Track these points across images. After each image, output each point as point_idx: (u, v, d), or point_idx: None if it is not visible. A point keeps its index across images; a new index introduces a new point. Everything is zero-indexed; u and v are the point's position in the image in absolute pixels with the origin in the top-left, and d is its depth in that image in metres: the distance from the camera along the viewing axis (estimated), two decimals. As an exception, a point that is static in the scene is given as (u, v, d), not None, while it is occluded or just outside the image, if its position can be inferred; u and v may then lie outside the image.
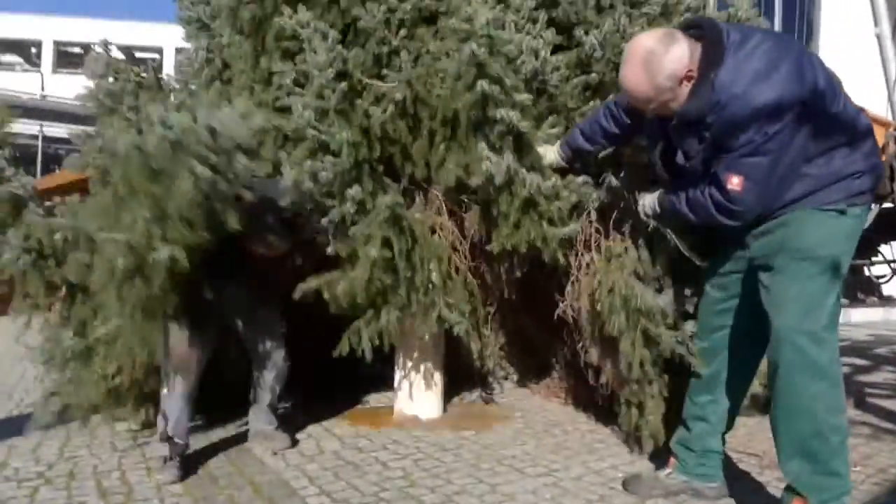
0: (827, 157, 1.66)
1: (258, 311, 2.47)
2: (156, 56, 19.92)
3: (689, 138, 1.72)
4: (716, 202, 1.68)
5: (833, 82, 1.64)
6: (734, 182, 1.62)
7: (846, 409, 1.69)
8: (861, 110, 1.70)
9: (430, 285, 2.43)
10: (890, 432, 2.73)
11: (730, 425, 2.04)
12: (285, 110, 2.48)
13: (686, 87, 1.64)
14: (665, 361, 2.25)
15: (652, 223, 2.02)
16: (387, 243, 2.28)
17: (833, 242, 1.66)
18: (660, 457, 2.24)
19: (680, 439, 2.05)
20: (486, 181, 2.09)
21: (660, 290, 2.22)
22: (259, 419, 2.53)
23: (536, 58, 2.42)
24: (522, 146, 2.15)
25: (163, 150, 1.78)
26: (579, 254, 2.39)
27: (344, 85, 2.31)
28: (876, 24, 4.34)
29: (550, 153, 2.23)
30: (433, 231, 2.58)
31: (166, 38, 19.39)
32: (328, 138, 2.26)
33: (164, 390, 2.25)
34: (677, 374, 2.38)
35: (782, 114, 1.54)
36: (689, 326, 2.16)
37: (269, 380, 2.48)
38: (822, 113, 1.60)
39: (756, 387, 2.95)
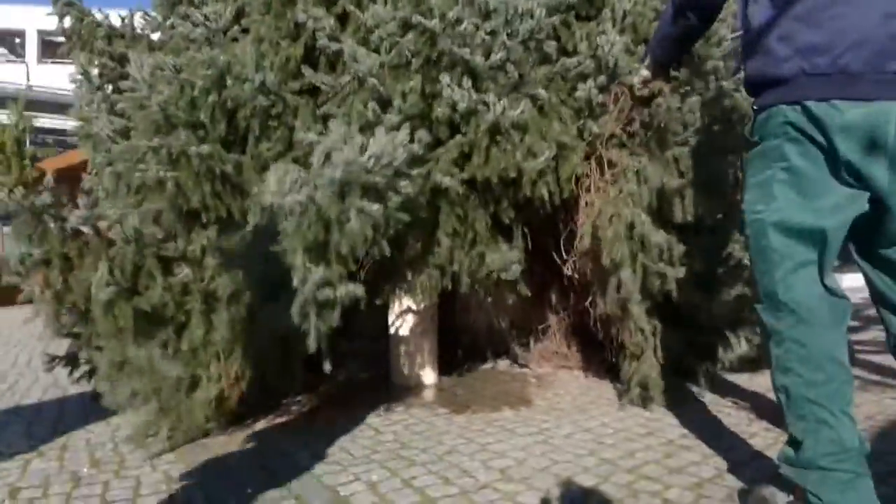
0: None
1: None
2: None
3: None
4: None
5: None
6: None
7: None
8: None
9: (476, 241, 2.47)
10: (877, 384, 2.77)
11: None
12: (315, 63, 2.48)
13: None
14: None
15: (647, 90, 2.10)
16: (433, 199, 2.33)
17: None
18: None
19: None
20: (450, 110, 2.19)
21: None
22: None
23: (532, 17, 2.41)
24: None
25: (331, 198, 1.73)
26: (581, 196, 2.43)
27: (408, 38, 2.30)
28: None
29: (642, 69, 2.12)
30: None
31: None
32: (390, 92, 2.26)
33: None
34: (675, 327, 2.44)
35: None
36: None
37: None
38: None
39: (743, 345, 3.01)
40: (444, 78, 2.24)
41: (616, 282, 2.28)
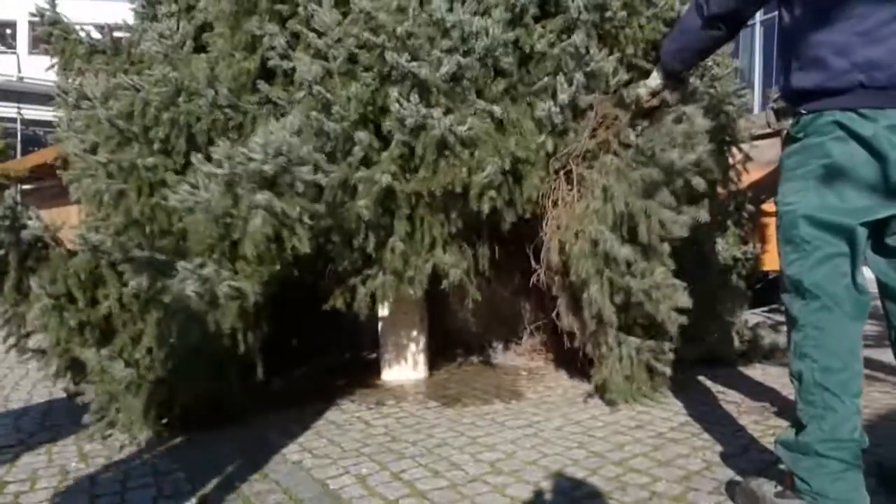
0: None
1: None
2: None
3: None
4: None
5: None
6: None
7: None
8: None
9: (430, 244, 2.43)
10: (865, 377, 2.78)
11: None
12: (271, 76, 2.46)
13: None
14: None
15: (655, 101, 2.05)
16: (384, 202, 2.29)
17: None
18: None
19: None
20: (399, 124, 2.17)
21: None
22: None
23: (487, 35, 2.38)
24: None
25: (221, 193, 1.71)
26: (548, 210, 2.40)
27: (350, 43, 2.30)
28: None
29: (651, 80, 2.07)
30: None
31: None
32: (333, 97, 2.24)
33: None
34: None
35: None
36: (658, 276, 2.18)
37: None
38: None
39: (734, 340, 3.02)
40: (393, 92, 2.22)
41: (589, 298, 2.25)
